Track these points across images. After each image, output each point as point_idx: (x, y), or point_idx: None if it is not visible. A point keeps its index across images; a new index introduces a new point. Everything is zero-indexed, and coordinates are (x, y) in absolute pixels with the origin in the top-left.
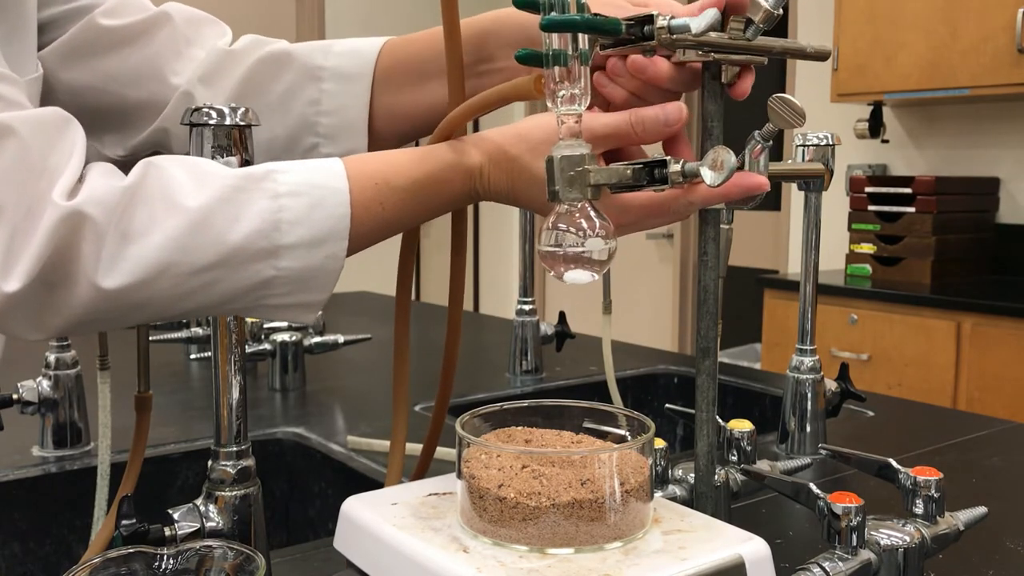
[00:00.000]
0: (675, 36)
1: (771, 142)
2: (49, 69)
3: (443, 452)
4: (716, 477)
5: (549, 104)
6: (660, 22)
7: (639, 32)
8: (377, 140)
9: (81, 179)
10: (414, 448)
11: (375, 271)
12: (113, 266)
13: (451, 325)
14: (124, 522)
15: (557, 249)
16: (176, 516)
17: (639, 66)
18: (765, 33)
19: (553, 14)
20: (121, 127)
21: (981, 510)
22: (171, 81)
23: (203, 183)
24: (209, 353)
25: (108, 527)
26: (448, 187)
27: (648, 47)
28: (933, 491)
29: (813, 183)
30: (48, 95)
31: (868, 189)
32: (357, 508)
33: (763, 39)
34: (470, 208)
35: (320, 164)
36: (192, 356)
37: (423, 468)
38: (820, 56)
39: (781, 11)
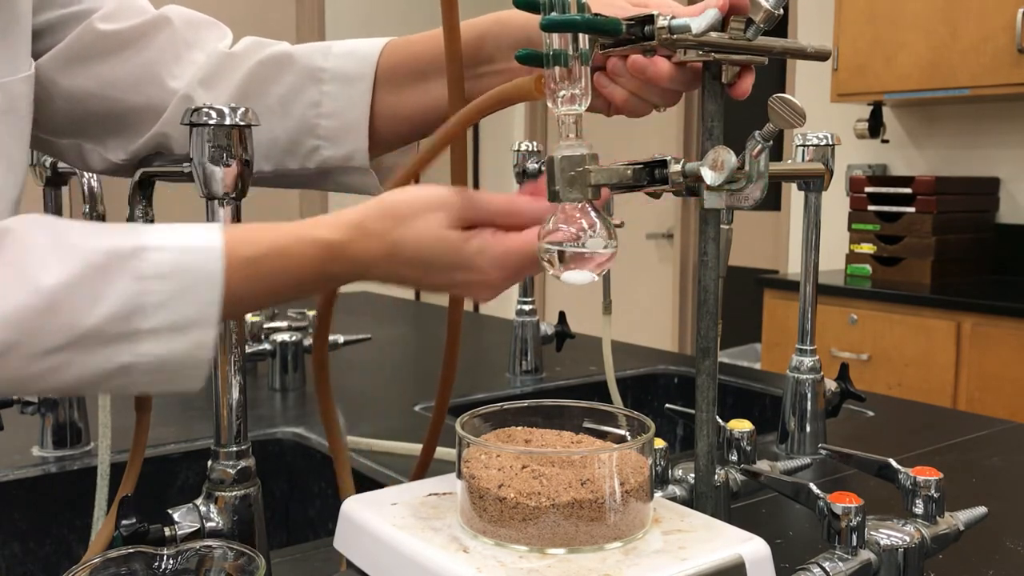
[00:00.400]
0: (675, 36)
1: (771, 142)
2: (48, 77)
3: (443, 452)
4: (716, 477)
5: (550, 104)
6: (660, 22)
7: (639, 32)
8: (378, 142)
9: None
10: (414, 448)
11: None
12: None
13: (451, 325)
14: (124, 522)
15: (557, 248)
16: (176, 516)
17: (639, 66)
18: (765, 33)
19: (553, 14)
20: (122, 132)
21: (981, 510)
22: (169, 85)
23: (64, 257)
24: None
25: (108, 527)
26: (294, 261)
27: (648, 47)
28: (933, 491)
29: (813, 183)
30: (48, 103)
31: (868, 189)
32: (357, 508)
33: (763, 39)
34: None
35: (198, 240)
36: None
37: (423, 468)
38: (820, 56)
39: (782, 11)
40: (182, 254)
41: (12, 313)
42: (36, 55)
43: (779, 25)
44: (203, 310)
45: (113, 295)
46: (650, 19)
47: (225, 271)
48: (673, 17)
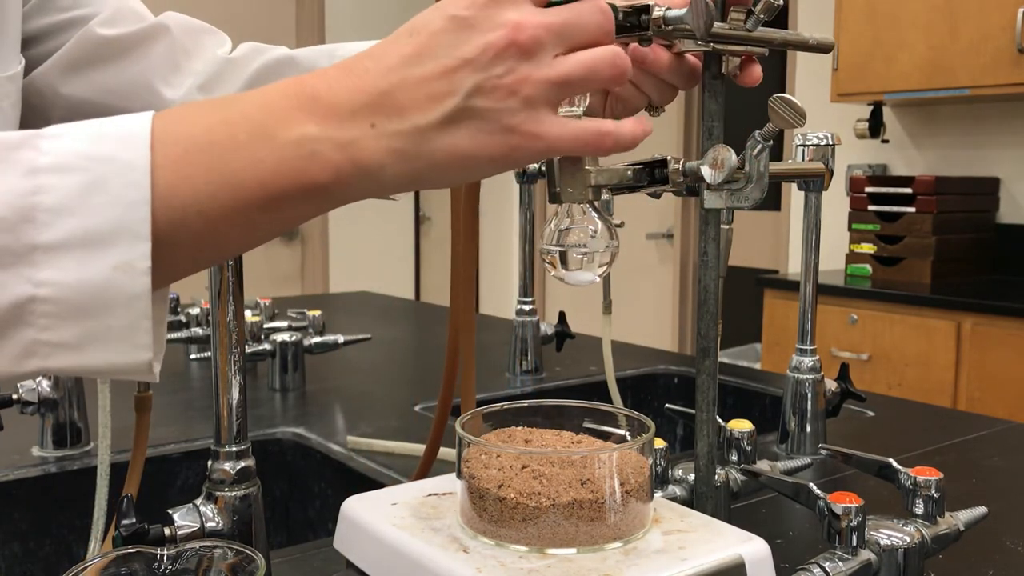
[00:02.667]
0: (672, 27)
1: (771, 142)
2: (50, 85)
3: (443, 452)
4: (716, 477)
5: None
6: (656, 12)
7: (636, 21)
8: None
9: None
10: (414, 448)
11: (375, 270)
12: None
13: (452, 325)
14: (124, 522)
15: (558, 249)
16: (176, 516)
17: (639, 55)
18: (766, 24)
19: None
20: None
21: (981, 510)
22: (165, 95)
23: None
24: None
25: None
26: (254, 128)
27: (646, 36)
28: (933, 491)
29: (813, 183)
30: (47, 111)
31: (868, 189)
32: (357, 508)
33: (764, 30)
34: None
35: (114, 125)
36: (192, 356)
37: (425, 468)
38: (823, 48)
39: (782, 1)
40: (91, 141)
41: None
42: (36, 61)
43: (779, 24)
44: (124, 215)
45: None
46: (646, 9)
47: (153, 156)
48: (668, 8)
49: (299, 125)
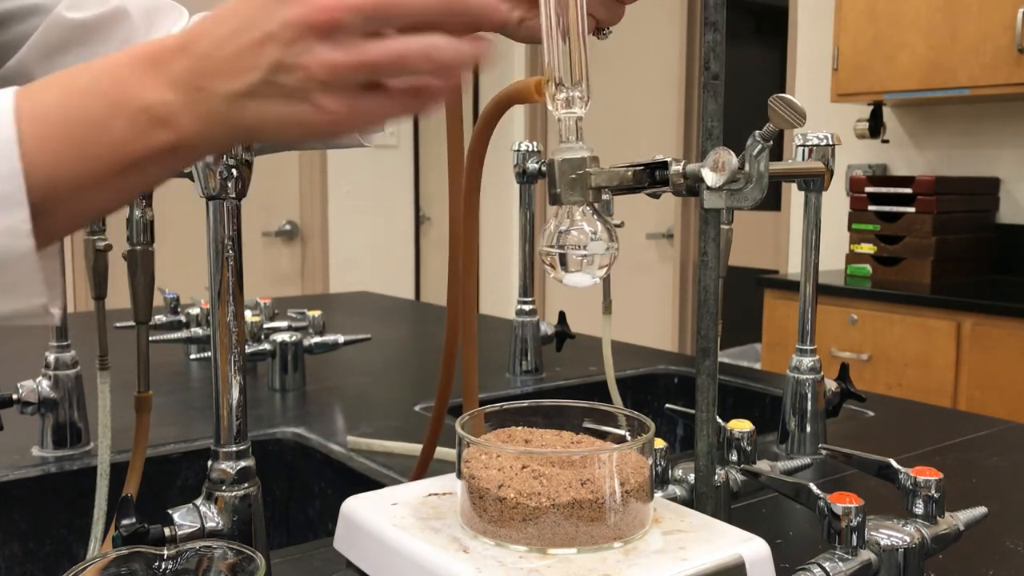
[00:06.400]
0: None
1: (771, 142)
2: (28, 74)
3: (443, 452)
4: (716, 477)
5: (550, 107)
6: None
7: None
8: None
9: None
10: (414, 448)
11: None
12: None
13: (450, 325)
14: (124, 522)
15: (558, 251)
16: (176, 516)
17: None
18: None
19: None
20: None
21: (981, 510)
22: None
23: None
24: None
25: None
26: (112, 85)
27: None
28: (933, 491)
29: (813, 183)
30: None
31: (868, 189)
32: (357, 508)
33: None
34: None
35: None
36: (192, 356)
37: (423, 468)
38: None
39: None
40: None
41: None
42: (4, 48)
43: (779, 25)
44: (0, 186)
45: None
46: None
47: (20, 133)
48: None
49: (144, 92)
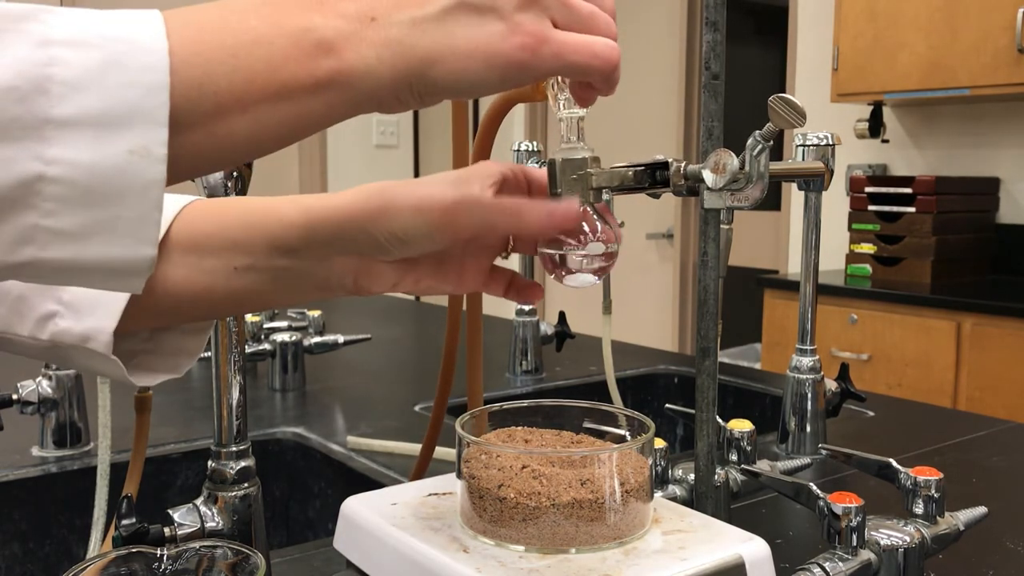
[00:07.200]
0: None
1: (771, 142)
2: None
3: (443, 452)
4: (716, 477)
5: (552, 105)
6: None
7: None
8: (134, 316)
9: None
10: (414, 448)
11: None
12: None
13: (451, 325)
14: (124, 522)
15: (558, 251)
16: (176, 516)
17: None
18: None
19: None
20: None
21: (981, 510)
22: None
23: None
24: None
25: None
26: (266, 19)
27: None
28: (933, 491)
29: (813, 183)
30: None
31: (868, 189)
32: (357, 508)
33: None
34: None
35: (122, 12)
36: None
37: (422, 468)
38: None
39: None
40: (103, 22)
41: None
42: None
43: (780, 25)
44: (143, 98)
45: (4, 61)
46: None
47: (169, 40)
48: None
49: (306, 16)
